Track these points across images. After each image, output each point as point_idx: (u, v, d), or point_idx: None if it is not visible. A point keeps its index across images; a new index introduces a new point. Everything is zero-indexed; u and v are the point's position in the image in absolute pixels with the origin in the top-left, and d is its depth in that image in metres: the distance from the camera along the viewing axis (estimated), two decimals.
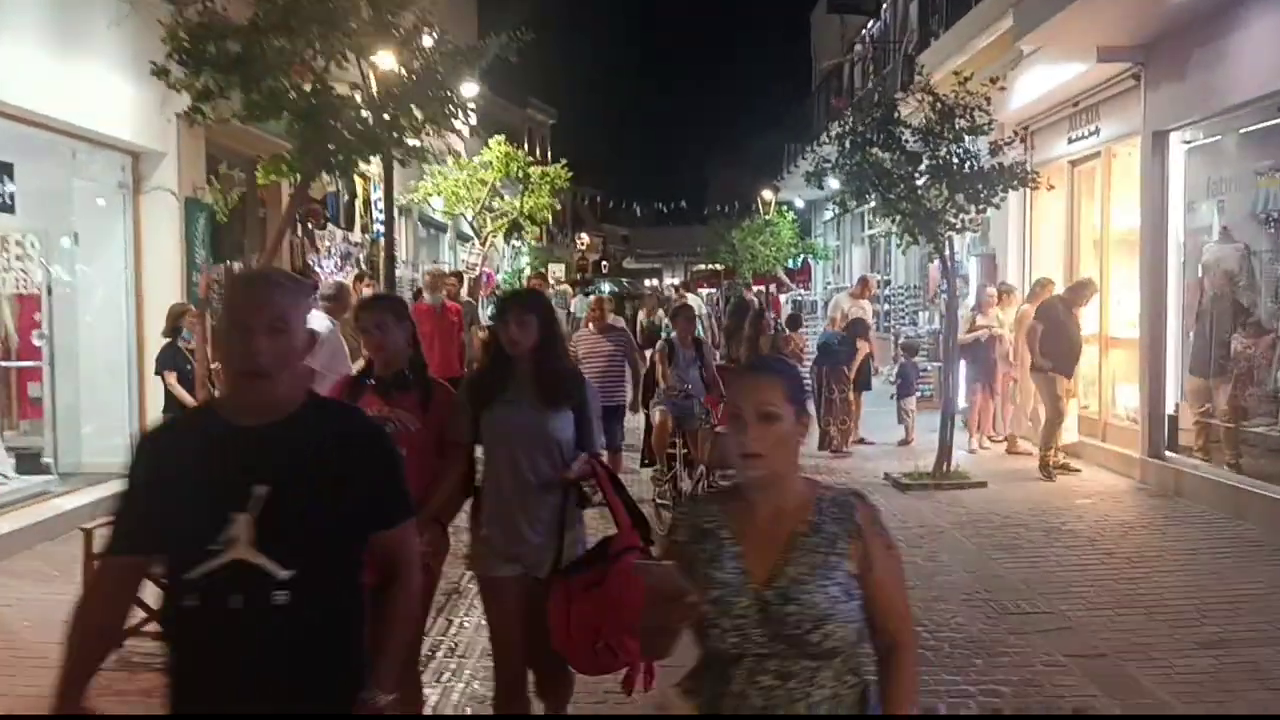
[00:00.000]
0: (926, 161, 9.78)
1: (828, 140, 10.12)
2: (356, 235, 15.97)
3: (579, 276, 46.41)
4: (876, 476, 10.71)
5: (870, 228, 23.92)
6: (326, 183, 13.28)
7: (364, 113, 7.43)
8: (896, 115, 9.87)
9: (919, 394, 13.15)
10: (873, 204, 10.53)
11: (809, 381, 14.10)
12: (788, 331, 11.05)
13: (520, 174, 14.91)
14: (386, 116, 7.68)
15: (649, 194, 58.10)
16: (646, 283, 51.56)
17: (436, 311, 9.90)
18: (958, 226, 10.06)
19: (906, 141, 9.83)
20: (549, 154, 57.22)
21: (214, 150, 11.29)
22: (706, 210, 36.18)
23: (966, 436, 11.89)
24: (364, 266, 16.16)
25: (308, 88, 6.96)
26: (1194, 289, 9.73)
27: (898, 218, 10.19)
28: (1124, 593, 6.73)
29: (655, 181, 69.66)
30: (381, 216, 17.03)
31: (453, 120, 9.05)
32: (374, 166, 16.99)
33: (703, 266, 39.16)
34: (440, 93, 8.26)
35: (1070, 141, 11.92)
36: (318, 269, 13.36)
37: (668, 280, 54.09)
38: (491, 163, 14.61)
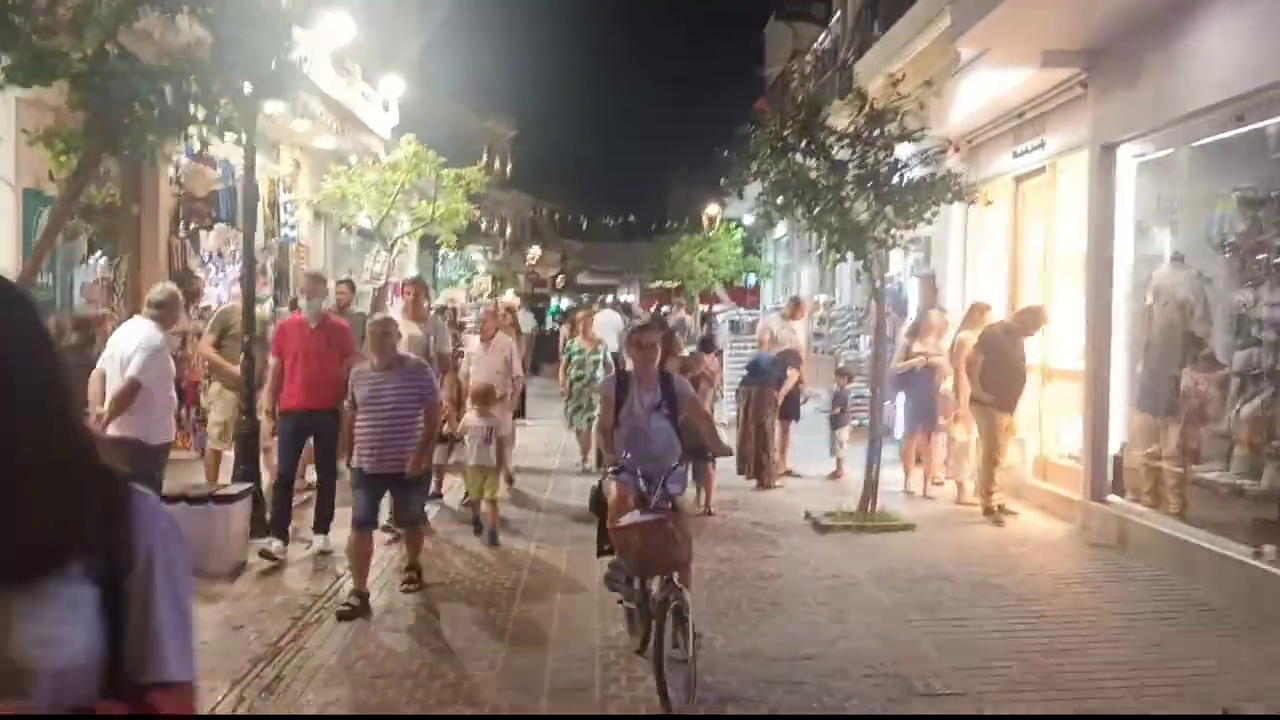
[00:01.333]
0: (853, 170, 8.86)
1: (748, 147, 9.17)
2: (260, 239, 14.82)
3: (532, 291, 45.43)
4: (796, 515, 9.73)
5: (817, 244, 23.12)
6: (214, 179, 12.18)
7: (164, 83, 6.30)
8: (821, 119, 8.94)
9: (854, 424, 12.22)
10: (798, 217, 9.57)
11: (732, 406, 13.16)
12: (699, 354, 10.06)
13: (433, 176, 13.83)
14: (194, 87, 6.52)
15: (610, 209, 57.21)
16: (606, 299, 50.66)
17: (310, 327, 8.29)
18: (888, 243, 9.15)
19: (832, 148, 8.91)
20: (509, 167, 56.57)
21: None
22: (654, 226, 35.22)
23: (903, 474, 10.92)
24: (270, 273, 15.05)
25: (90, 50, 5.87)
26: (1143, 318, 8.87)
27: (824, 232, 9.26)
28: (1052, 670, 5.76)
29: (617, 196, 68.85)
30: (293, 220, 15.97)
31: (288, 91, 7.96)
32: (283, 165, 16.00)
33: (657, 284, 38.23)
34: (278, 50, 7.11)
35: (1015, 156, 11.06)
36: (200, 273, 12.22)
37: (624, 297, 53.29)
38: (399, 163, 13.52)
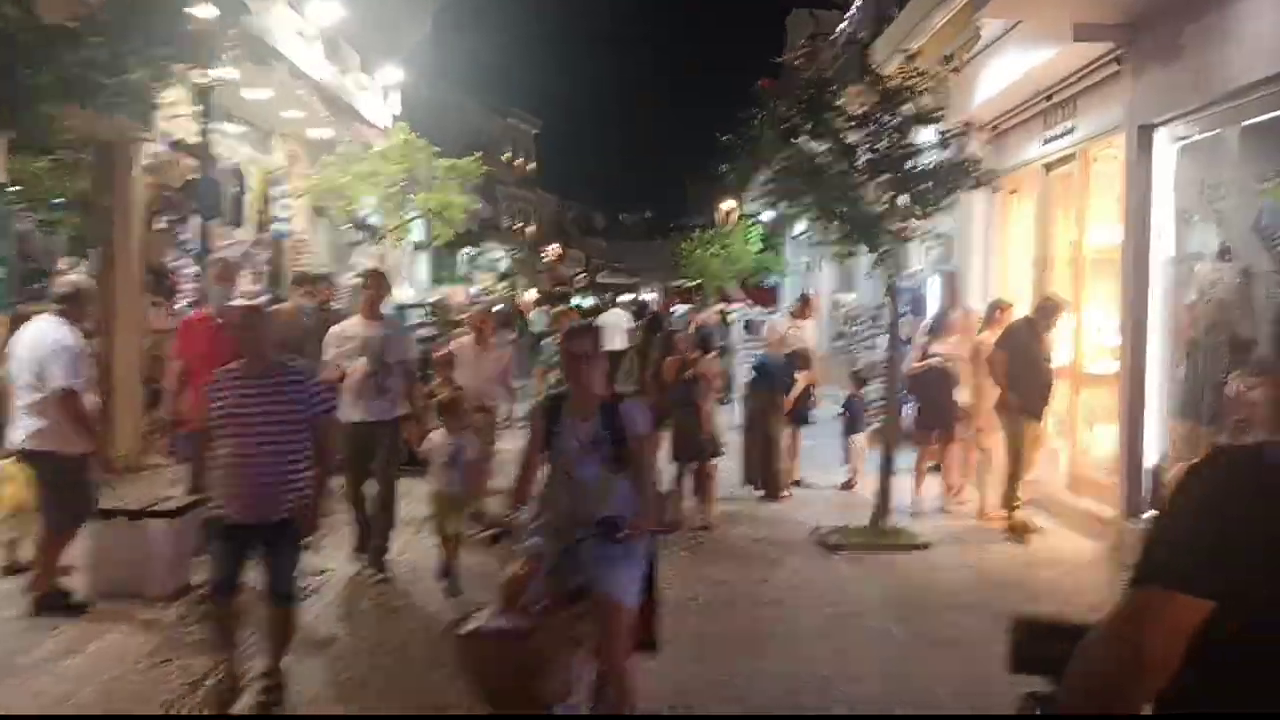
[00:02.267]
0: (865, 154, 8.10)
1: (752, 130, 8.43)
2: (249, 232, 14.23)
3: (554, 290, 44.78)
4: (803, 531, 8.97)
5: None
6: (189, 168, 11.57)
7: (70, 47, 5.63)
8: (829, 98, 8.18)
9: (870, 429, 11.41)
10: (805, 206, 8.81)
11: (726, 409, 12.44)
12: (699, 355, 9.31)
13: (426, 166, 13.15)
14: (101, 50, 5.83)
15: (631, 206, 56.54)
16: (624, 298, 49.97)
17: (215, 321, 7.25)
18: (903, 235, 8.37)
19: (842, 131, 8.15)
20: (531, 165, 55.98)
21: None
22: (672, 223, 34.44)
23: (914, 486, 10.11)
24: (263, 268, 14.43)
25: None
26: (1184, 318, 8.04)
27: (834, 223, 8.50)
28: None
29: (640, 193, 68.02)
30: (287, 214, 15.36)
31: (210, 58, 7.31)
32: (276, 155, 15.40)
33: (680, 283, 37.40)
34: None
35: (1044, 142, 10.23)
36: (178, 267, 11.61)
37: (646, 296, 52.57)
38: (389, 153, 12.83)
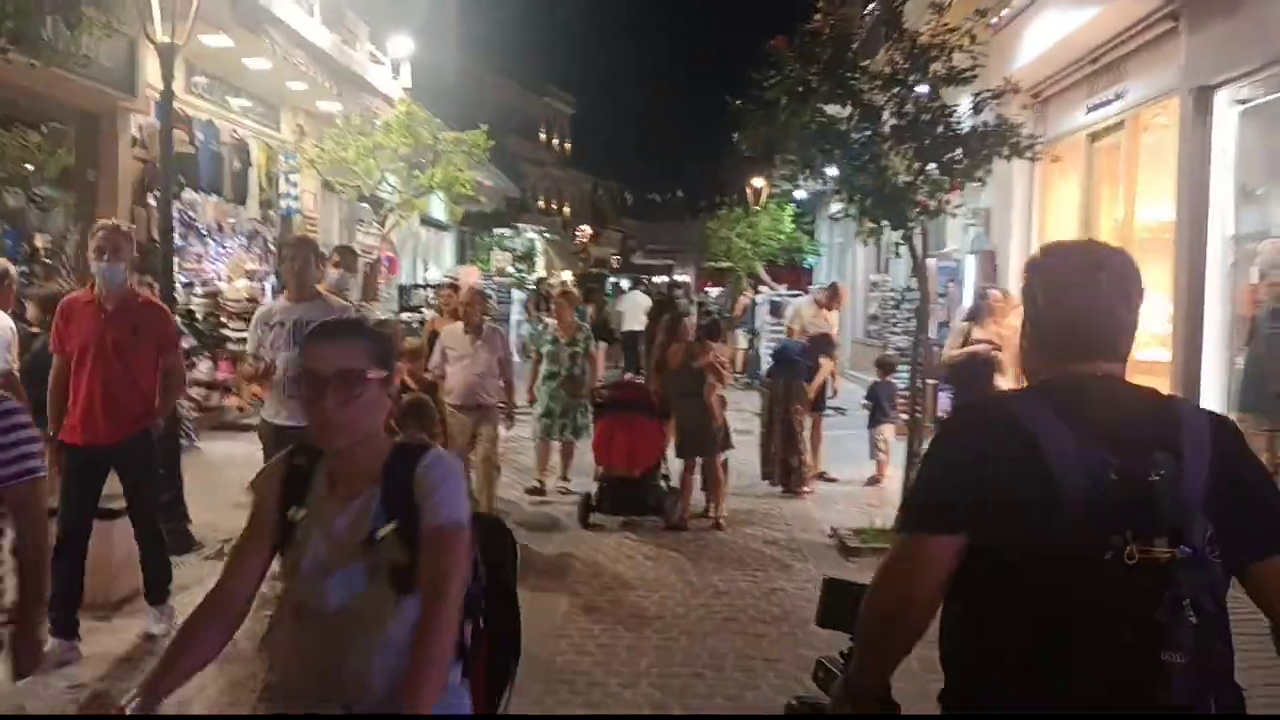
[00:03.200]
0: (890, 120, 7.34)
1: (766, 94, 7.67)
2: (253, 211, 13.68)
3: (593, 272, 44.09)
4: (821, 531, 8.27)
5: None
6: (180, 141, 10.99)
7: None
8: (850, 56, 7.41)
9: (901, 420, 10.64)
10: (829, 178, 8.06)
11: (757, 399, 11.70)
12: (706, 341, 8.60)
13: (431, 139, 12.49)
14: None
15: (662, 185, 55.59)
16: (657, 279, 49.21)
17: (102, 307, 5.33)
18: (931, 208, 7.61)
19: (865, 94, 7.39)
20: (568, 145, 55.29)
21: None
22: (704, 202, 33.52)
23: None
24: (269, 249, 13.91)
25: None
26: (1245, 300, 7.24)
27: (856, 196, 7.75)
28: None
29: (675, 173, 66.95)
30: (295, 191, 14.79)
31: None
32: (283, 130, 14.83)
33: (713, 264, 36.46)
34: None
35: (1089, 110, 9.41)
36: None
37: (680, 277, 51.69)
38: (389, 125, 12.19)
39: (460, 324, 7.93)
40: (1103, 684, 1.77)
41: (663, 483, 8.56)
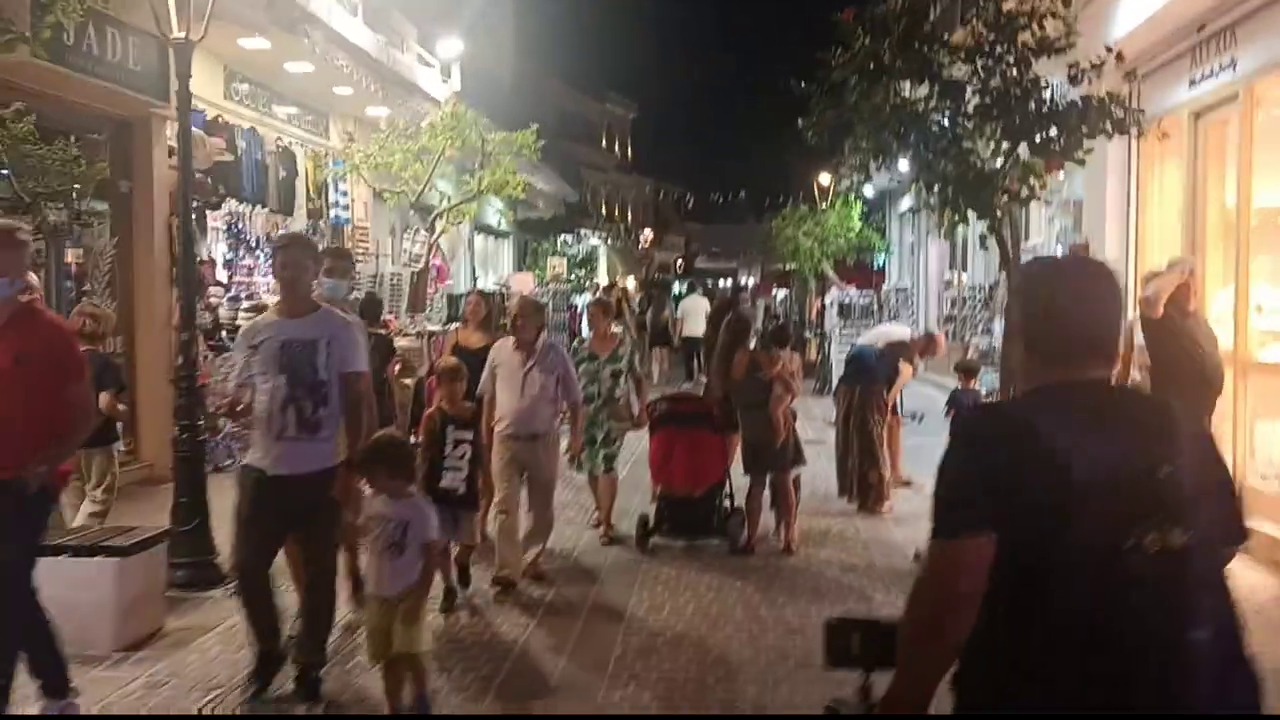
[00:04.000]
0: (974, 97, 6.57)
1: (833, 75, 6.95)
2: (300, 221, 13.25)
3: (657, 277, 43.51)
4: (903, 555, 7.47)
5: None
6: (217, 149, 10.58)
7: None
8: (929, 28, 6.65)
9: None
10: (903, 165, 7.31)
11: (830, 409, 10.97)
12: (773, 349, 7.83)
13: (479, 142, 11.91)
14: None
15: (730, 188, 54.73)
16: (722, 283, 48.49)
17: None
18: (1022, 195, 6.81)
19: (944, 68, 6.63)
20: (629, 149, 54.81)
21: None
22: (768, 201, 32.63)
23: None
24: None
25: None
26: None
27: (936, 184, 6.99)
28: None
29: (738, 174, 65.80)
30: (345, 200, 14.35)
31: None
32: (331, 137, 14.41)
33: (778, 266, 35.52)
34: None
35: (1192, 84, 8.50)
36: (209, 256, 10.62)
37: (744, 280, 50.85)
38: (434, 127, 11.61)
39: (511, 339, 6.77)
40: (1150, 661, 1.86)
41: (727, 502, 7.86)
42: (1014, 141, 6.52)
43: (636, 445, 8.81)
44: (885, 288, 19.81)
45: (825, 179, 22.75)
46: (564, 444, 7.15)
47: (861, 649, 2.18)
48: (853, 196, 23.17)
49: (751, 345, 7.82)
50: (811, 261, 21.04)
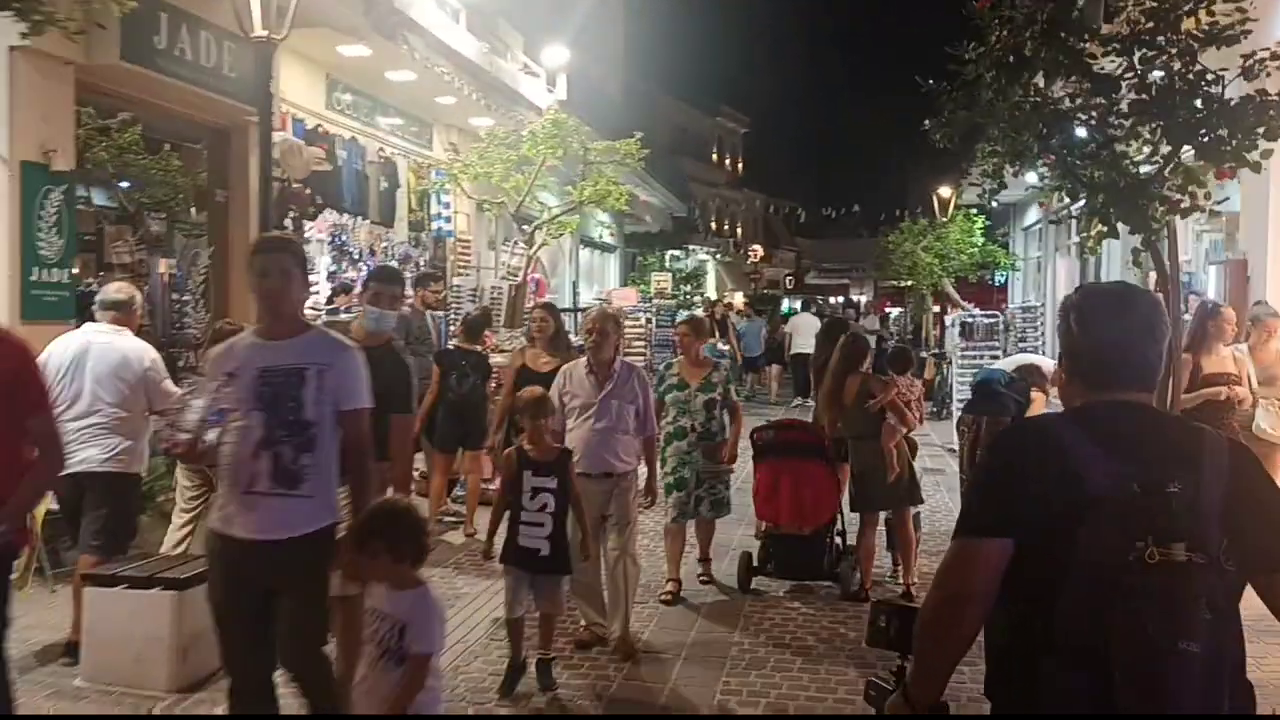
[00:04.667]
0: (1129, 93, 5.80)
1: (966, 71, 6.24)
2: (401, 233, 13.00)
3: (766, 293, 42.76)
4: None
5: (1074, 232, 19.19)
6: (314, 158, 10.33)
7: None
8: (1076, 15, 5.90)
9: None
10: (1040, 172, 6.54)
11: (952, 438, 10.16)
12: (889, 374, 7.09)
13: (581, 151, 11.42)
14: None
15: (843, 202, 53.54)
16: (832, 300, 47.42)
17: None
18: (1183, 204, 6.00)
19: (1094, 60, 5.87)
20: (740, 164, 54.14)
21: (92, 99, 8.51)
22: (884, 216, 31.56)
23: None
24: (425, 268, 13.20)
25: None
26: None
27: (1082, 192, 6.22)
28: None
29: (851, 188, 64.26)
30: (448, 212, 14.07)
31: None
32: (435, 148, 14.14)
33: (892, 282, 34.38)
34: None
35: None
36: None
37: (856, 297, 49.65)
38: (535, 136, 11.15)
39: (583, 361, 5.95)
40: (1139, 666, 1.97)
41: (839, 541, 7.16)
42: (1176, 144, 5.72)
43: (740, 471, 8.16)
44: (1010, 307, 18.71)
45: (945, 191, 21.72)
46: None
47: (896, 634, 2.36)
48: (974, 211, 22.15)
49: (868, 368, 7.07)
50: (931, 278, 20.02)
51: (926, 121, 6.63)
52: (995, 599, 2.08)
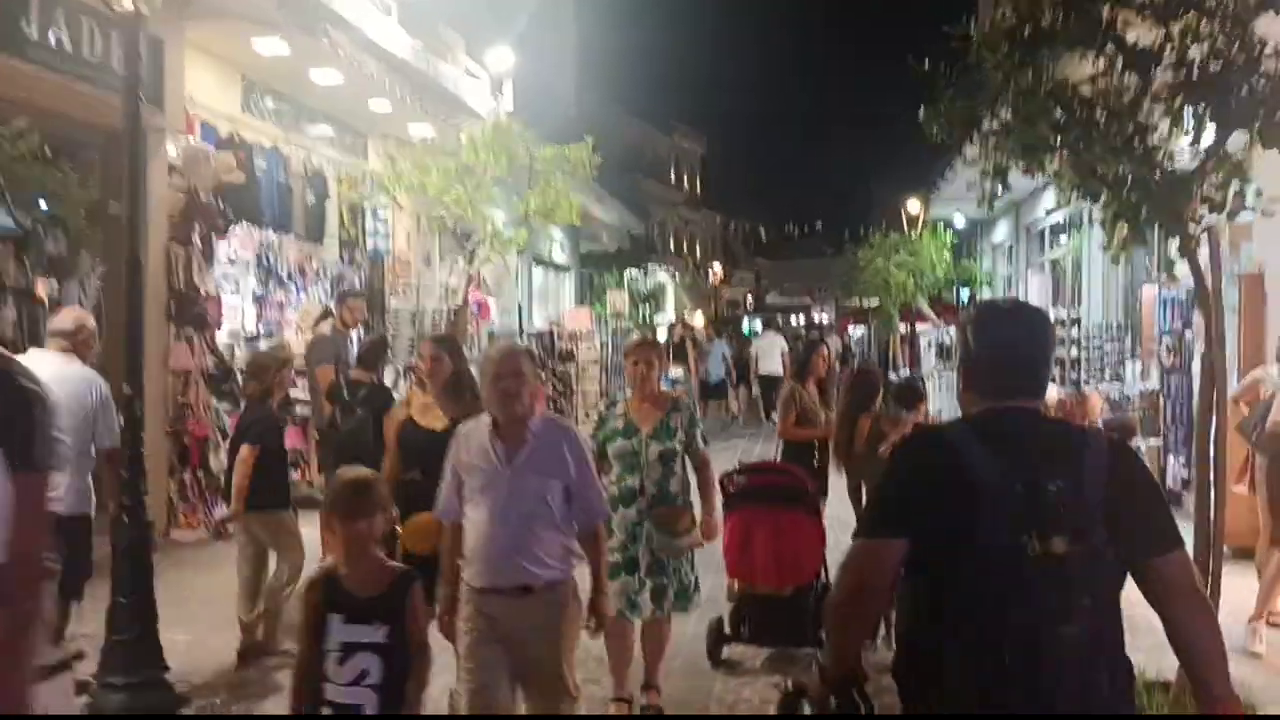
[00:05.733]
0: (1166, 72, 4.87)
1: (966, 52, 5.32)
2: (331, 251, 11.89)
3: (720, 314, 42.03)
4: None
5: (1050, 246, 18.43)
6: (227, 168, 9.22)
7: None
8: None
9: None
10: (1051, 173, 5.58)
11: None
12: (902, 412, 6.08)
13: (527, 159, 10.36)
14: None
15: (807, 220, 52.93)
16: (792, 320, 46.80)
17: None
18: (1227, 206, 5.07)
19: (1123, 32, 4.94)
20: (699, 184, 53.42)
21: None
22: (848, 234, 30.75)
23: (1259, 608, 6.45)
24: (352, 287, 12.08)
25: None
26: None
27: (1104, 193, 5.28)
28: None
29: (812, 207, 63.42)
30: (385, 229, 12.98)
31: None
32: (371, 160, 13.05)
33: (855, 301, 33.59)
34: None
35: None
36: (209, 289, 9.19)
37: (818, 317, 49.00)
38: (475, 142, 10.08)
39: (486, 419, 3.89)
40: (1024, 650, 2.16)
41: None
42: (1227, 130, 4.79)
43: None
44: None
45: (915, 206, 20.93)
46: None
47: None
48: (941, 226, 21.40)
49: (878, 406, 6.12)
50: (905, 295, 19.19)
51: (923, 109, 5.65)
52: (891, 590, 2.32)
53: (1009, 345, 2.40)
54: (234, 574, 6.22)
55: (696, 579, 5.33)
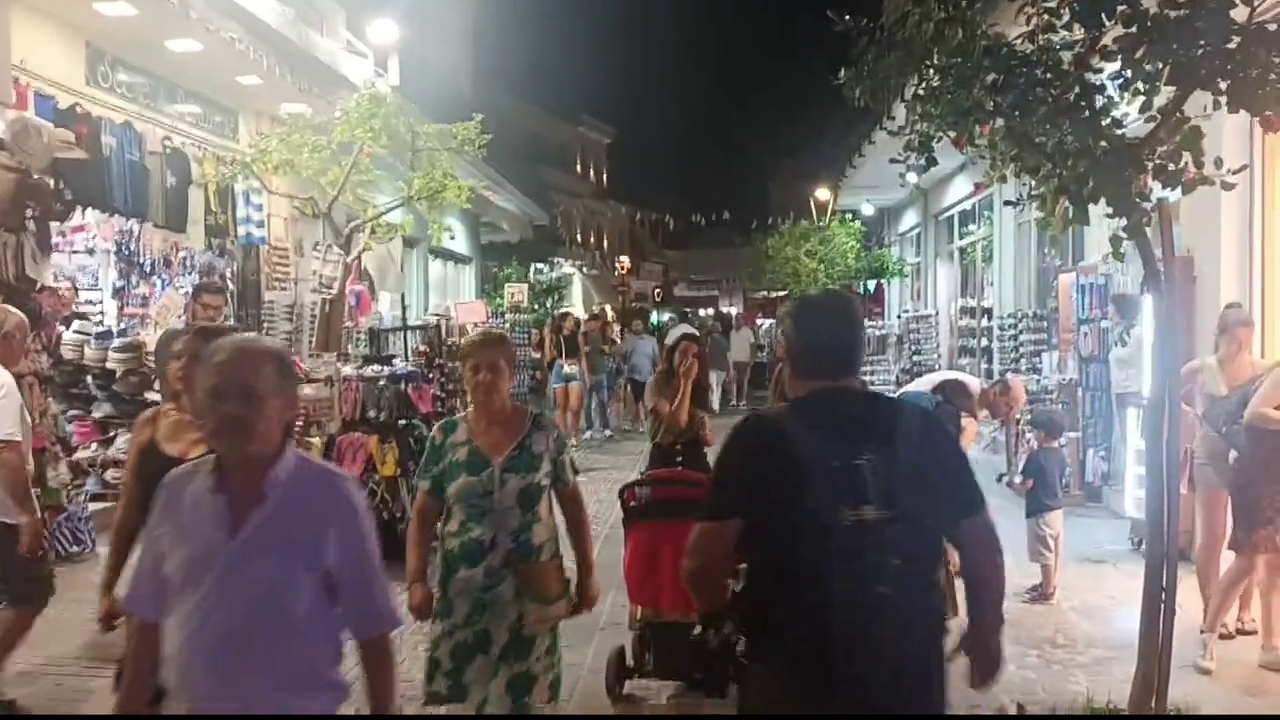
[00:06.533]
0: (1116, 24, 4.29)
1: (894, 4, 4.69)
2: (195, 239, 10.83)
3: (635, 306, 41.30)
4: (1000, 704, 5.08)
5: (961, 234, 18.13)
6: (63, 142, 8.16)
7: None
8: None
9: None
10: (980, 145, 4.95)
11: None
12: None
13: (409, 136, 9.45)
14: None
15: (716, 209, 52.37)
16: (701, 312, 46.38)
17: None
18: (1188, 175, 4.52)
19: None
20: (605, 175, 52.59)
21: None
22: (755, 224, 30.27)
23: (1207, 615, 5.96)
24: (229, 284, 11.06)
25: None
26: None
27: (1045, 166, 4.69)
28: None
29: (719, 197, 62.73)
30: (260, 215, 11.96)
31: None
32: (242, 140, 12.01)
33: (761, 293, 33.16)
34: None
35: None
36: (45, 280, 8.12)
37: (726, 309, 48.64)
38: (349, 116, 9.15)
39: (207, 462, 2.54)
40: (844, 608, 2.43)
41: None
42: (1185, 91, 4.23)
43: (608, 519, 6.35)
44: (904, 315, 17.48)
45: (824, 194, 20.49)
46: None
47: None
48: (849, 216, 21.01)
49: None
50: (816, 284, 18.75)
51: (840, 73, 4.98)
52: (733, 560, 2.60)
53: (825, 332, 2.74)
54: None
55: (560, 670, 4.10)
